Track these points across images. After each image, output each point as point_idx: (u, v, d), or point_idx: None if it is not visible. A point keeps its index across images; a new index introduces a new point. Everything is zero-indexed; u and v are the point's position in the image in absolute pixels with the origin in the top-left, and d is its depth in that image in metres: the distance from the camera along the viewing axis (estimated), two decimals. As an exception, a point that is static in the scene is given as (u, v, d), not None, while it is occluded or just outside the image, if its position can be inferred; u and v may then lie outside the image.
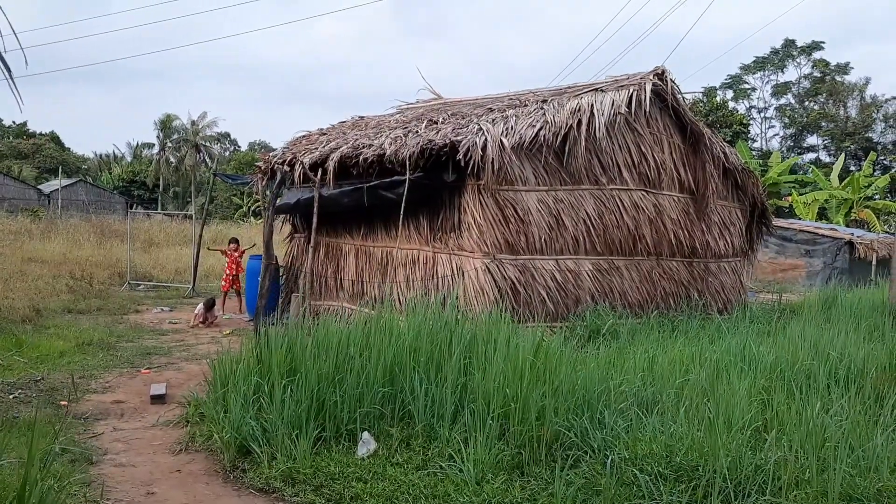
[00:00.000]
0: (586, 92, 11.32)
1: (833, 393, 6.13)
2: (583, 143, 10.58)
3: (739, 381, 5.86)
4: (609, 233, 11.29)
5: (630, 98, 11.23)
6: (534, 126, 10.21)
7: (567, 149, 10.54)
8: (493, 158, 9.59)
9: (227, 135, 78.77)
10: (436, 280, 10.54)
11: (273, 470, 5.09)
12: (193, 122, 68.53)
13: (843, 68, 55.39)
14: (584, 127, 10.57)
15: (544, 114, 10.51)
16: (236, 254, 14.47)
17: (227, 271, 14.49)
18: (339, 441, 5.48)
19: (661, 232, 12.03)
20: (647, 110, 11.62)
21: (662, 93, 11.84)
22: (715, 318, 11.16)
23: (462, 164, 9.70)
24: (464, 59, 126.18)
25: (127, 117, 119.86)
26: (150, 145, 75.12)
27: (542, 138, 10.19)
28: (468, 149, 9.59)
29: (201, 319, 12.40)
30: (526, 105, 11.14)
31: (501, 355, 5.82)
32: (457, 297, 7.84)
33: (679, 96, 12.10)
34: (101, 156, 79.75)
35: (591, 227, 11.06)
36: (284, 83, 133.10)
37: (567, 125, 10.44)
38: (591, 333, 9.34)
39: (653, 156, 11.88)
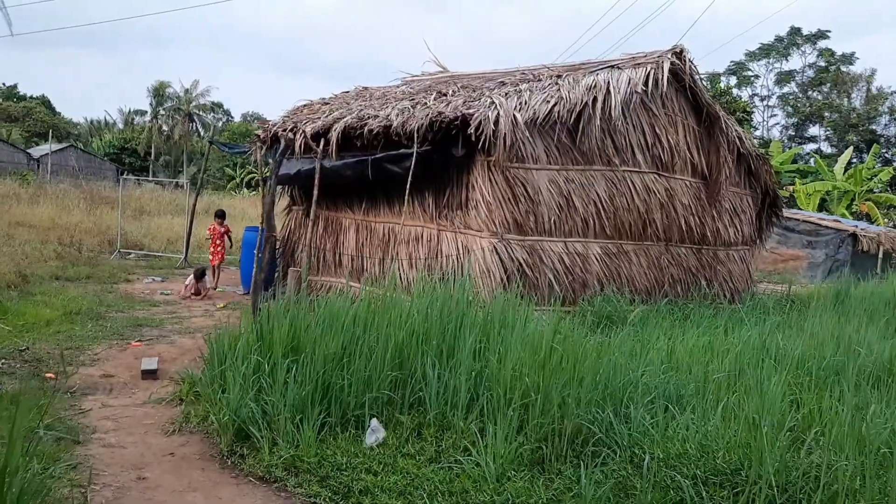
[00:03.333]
0: (602, 69, 10.89)
1: (863, 391, 5.80)
2: (597, 122, 10.18)
3: (769, 377, 5.52)
4: (619, 216, 10.92)
5: (647, 77, 10.81)
6: (548, 101, 9.79)
7: (581, 127, 10.14)
8: (505, 133, 9.18)
9: (220, 105, 77.73)
10: (440, 259, 10.16)
11: (274, 457, 4.73)
12: (186, 91, 67.52)
13: (849, 58, 54.94)
14: (599, 105, 10.16)
15: (559, 89, 10.08)
16: (221, 229, 13.93)
17: (212, 248, 14.01)
18: (346, 428, 5.11)
19: (672, 217, 11.67)
20: (664, 90, 11.21)
21: (680, 72, 11.42)
22: (725, 307, 10.85)
23: (473, 138, 9.28)
24: (462, 32, 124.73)
25: (119, 83, 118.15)
26: (143, 112, 74.09)
27: (557, 115, 9.78)
28: (480, 122, 9.17)
29: (193, 290, 11.98)
30: (540, 80, 10.71)
31: (519, 341, 5.45)
32: (467, 277, 7.45)
33: (696, 77, 11.70)
34: (92, 122, 78.66)
35: (602, 210, 10.68)
36: (278, 54, 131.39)
37: (582, 102, 10.02)
38: (601, 319, 8.98)
39: (667, 138, 11.49)
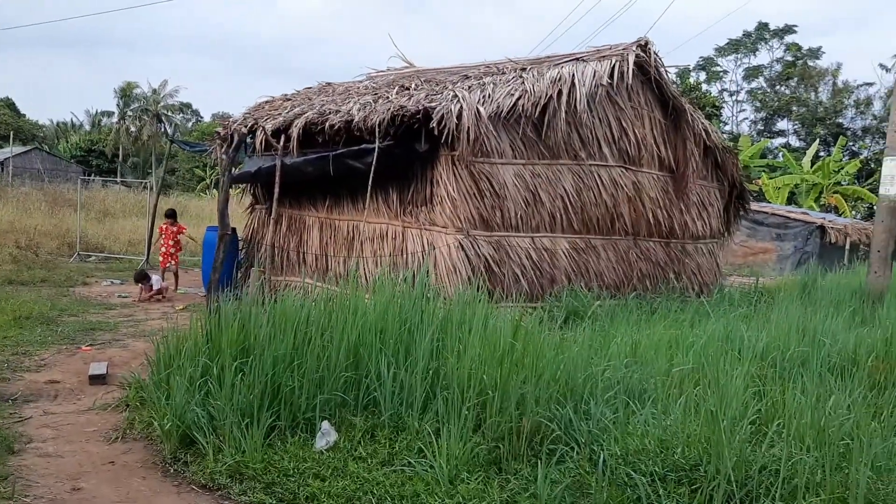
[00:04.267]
0: (567, 62, 10.76)
1: (828, 382, 5.70)
2: (563, 116, 10.05)
3: (732, 369, 5.39)
4: (587, 210, 10.81)
5: (612, 69, 10.71)
6: (512, 95, 9.64)
7: (546, 121, 10.00)
8: (468, 127, 9.00)
9: (189, 105, 76.66)
10: (405, 256, 9.97)
11: (219, 464, 4.49)
12: (154, 91, 66.61)
13: (815, 53, 55.63)
14: (564, 98, 10.03)
15: (523, 82, 9.93)
16: (174, 228, 13.23)
17: (163, 248, 13.18)
18: (296, 431, 4.89)
19: (640, 211, 11.59)
20: (629, 83, 11.12)
21: (645, 65, 11.33)
22: (693, 301, 10.77)
23: (436, 133, 9.10)
24: (441, 35, 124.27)
25: (86, 85, 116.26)
26: (110, 114, 72.93)
27: (521, 108, 9.62)
28: (442, 116, 8.99)
29: (148, 294, 11.64)
30: (504, 73, 10.55)
31: (477, 338, 5.28)
32: (428, 274, 7.27)
33: (662, 69, 11.62)
34: (58, 123, 77.28)
35: (569, 205, 10.56)
36: (252, 56, 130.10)
37: (547, 95, 9.88)
38: (568, 315, 8.85)
39: (633, 131, 11.40)
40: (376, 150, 9.67)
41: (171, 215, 13.51)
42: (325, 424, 4.86)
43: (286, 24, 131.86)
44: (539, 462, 4.25)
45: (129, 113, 66.53)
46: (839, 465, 3.88)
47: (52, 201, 24.43)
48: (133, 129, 65.53)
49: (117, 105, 67.79)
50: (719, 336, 7.09)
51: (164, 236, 13.18)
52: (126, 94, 66.55)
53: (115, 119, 69.43)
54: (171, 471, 4.65)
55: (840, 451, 4.00)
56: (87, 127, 73.89)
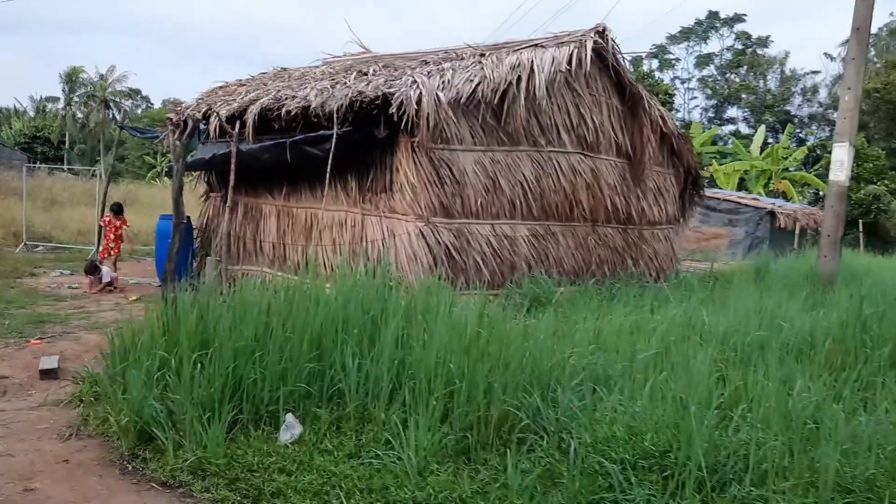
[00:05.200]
0: (526, 48, 10.72)
1: (788, 365, 5.81)
2: (522, 102, 10.00)
3: (695, 354, 5.44)
4: (546, 197, 10.82)
5: (570, 56, 10.70)
6: (472, 81, 9.56)
7: (505, 107, 9.96)
8: (428, 113, 8.91)
9: (139, 91, 74.63)
10: (365, 244, 9.85)
11: (179, 460, 4.35)
12: (102, 76, 64.61)
13: (764, 41, 56.80)
14: (523, 84, 9.98)
15: (482, 68, 9.86)
16: (117, 222, 12.75)
17: (105, 240, 12.67)
18: (259, 425, 4.78)
19: (598, 197, 11.65)
20: (587, 70, 11.13)
21: (603, 52, 11.35)
22: (651, 286, 10.89)
23: (395, 119, 8.98)
24: (399, 26, 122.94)
25: (29, 69, 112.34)
26: (55, 99, 70.62)
27: (481, 94, 9.55)
28: (402, 102, 8.87)
29: (99, 286, 11.30)
30: (463, 59, 10.47)
31: (443, 327, 5.22)
32: (390, 262, 7.18)
33: (619, 56, 11.66)
34: (0, 110, 74.56)
35: (528, 191, 10.56)
36: (205, 44, 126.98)
37: (506, 81, 9.83)
38: (529, 302, 8.85)
39: (591, 118, 11.43)
40: (335, 136, 9.51)
41: (118, 210, 12.94)
42: (290, 417, 4.76)
43: (237, 11, 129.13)
44: (508, 451, 4.23)
45: (76, 99, 64.47)
46: (805, 448, 3.93)
47: (-6, 190, 23.57)
48: (80, 115, 63.57)
49: (63, 91, 65.65)
50: (680, 321, 7.17)
51: (107, 229, 12.72)
52: (72, 79, 64.44)
53: (60, 105, 67.27)
54: (130, 468, 4.50)
55: (805, 435, 4.05)
56: (32, 113, 71.43)
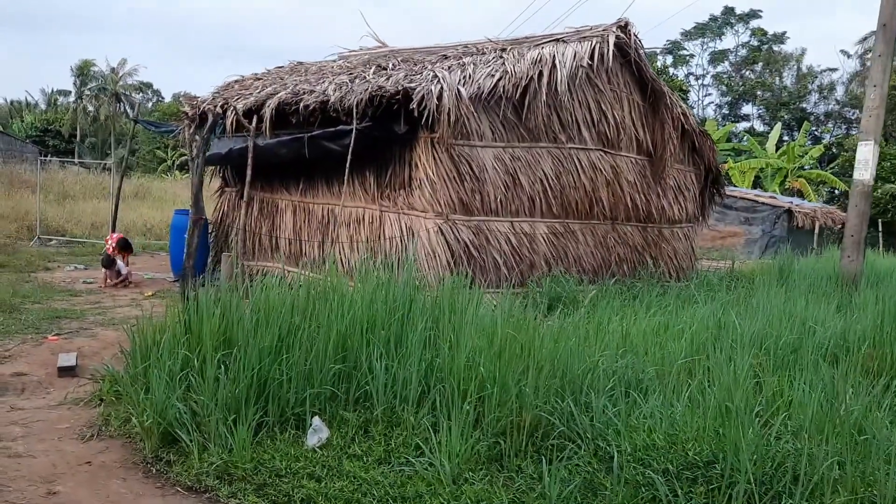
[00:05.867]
0: (547, 42, 10.56)
1: (822, 371, 5.64)
2: (543, 97, 9.85)
3: (731, 358, 5.28)
4: (566, 194, 10.66)
5: (592, 50, 10.54)
6: (493, 75, 9.40)
7: (526, 102, 9.81)
8: (449, 109, 8.76)
9: (150, 85, 74.74)
10: (383, 242, 9.72)
11: (205, 463, 4.24)
12: (113, 70, 64.67)
13: (780, 38, 56.24)
14: (545, 79, 9.83)
15: (504, 63, 9.71)
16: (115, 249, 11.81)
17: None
18: (285, 428, 4.66)
19: (618, 195, 11.48)
20: (609, 65, 10.97)
21: (625, 46, 11.18)
22: (672, 286, 10.73)
23: (415, 114, 8.83)
24: (407, 21, 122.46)
25: (41, 63, 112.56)
26: (67, 93, 70.71)
27: (502, 89, 9.40)
28: (423, 97, 8.72)
29: (114, 280, 11.22)
30: (484, 53, 10.31)
31: (473, 327, 5.09)
32: (413, 260, 7.03)
33: (642, 51, 11.48)
34: (12, 102, 74.73)
35: (548, 188, 10.40)
36: (215, 38, 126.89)
37: (528, 76, 9.67)
38: (551, 301, 8.71)
39: (612, 114, 11.26)
40: (354, 131, 9.38)
41: (123, 245, 11.93)
42: (317, 420, 4.63)
43: (247, 5, 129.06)
44: (542, 458, 4.09)
45: (87, 92, 64.57)
46: (853, 460, 3.78)
47: (7, 182, 23.58)
48: (91, 108, 63.67)
49: (74, 84, 65.76)
50: (709, 323, 7.01)
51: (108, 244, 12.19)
52: (83, 72, 64.54)
53: (71, 98, 67.37)
54: (154, 471, 4.39)
55: (851, 445, 3.90)
56: (43, 106, 71.60)
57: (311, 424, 4.61)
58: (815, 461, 3.62)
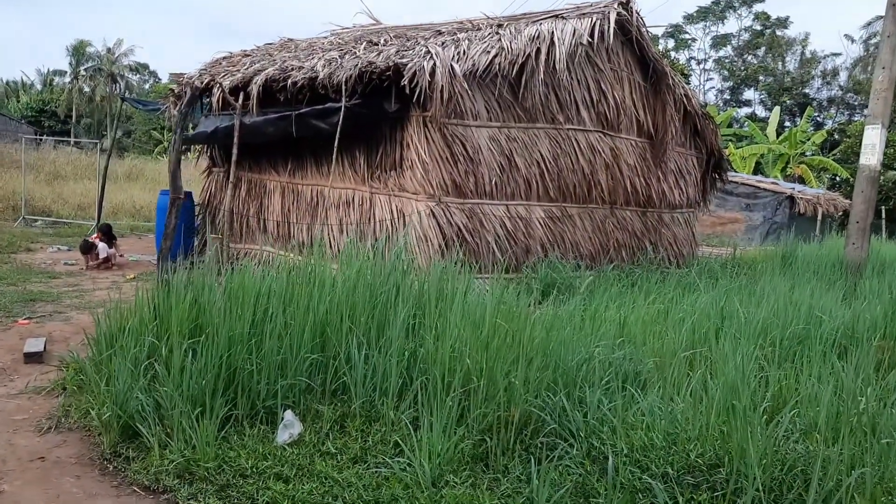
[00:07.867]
0: (546, 18, 10.16)
1: (830, 362, 5.30)
2: (541, 76, 9.47)
3: (734, 350, 4.95)
4: (563, 177, 10.30)
5: (593, 28, 10.13)
6: (488, 52, 9.02)
7: (523, 81, 9.43)
8: (442, 86, 8.38)
9: (146, 66, 73.98)
10: (373, 224, 9.37)
11: (165, 461, 3.90)
12: (109, 50, 63.97)
13: (783, 22, 55.60)
14: (542, 57, 9.44)
15: (500, 39, 9.31)
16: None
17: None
18: (255, 422, 4.32)
19: (617, 178, 11.11)
20: (610, 43, 10.57)
21: (626, 24, 10.78)
22: (672, 272, 10.38)
23: (407, 91, 8.46)
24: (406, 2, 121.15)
25: (36, 42, 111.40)
26: (62, 73, 69.97)
27: (498, 67, 9.01)
28: (414, 73, 8.34)
29: (96, 262, 10.85)
30: (479, 29, 9.92)
31: (459, 316, 4.74)
32: (403, 243, 6.68)
33: (644, 30, 11.07)
34: (7, 82, 73.99)
35: (545, 171, 10.04)
36: (213, 19, 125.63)
37: (525, 54, 9.29)
38: (546, 288, 8.37)
39: (612, 94, 10.87)
40: (343, 109, 9.00)
41: (105, 230, 11.60)
42: (289, 414, 4.30)
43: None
44: (532, 458, 3.77)
45: (83, 72, 63.90)
46: (871, 463, 3.45)
47: (-2, 162, 23.17)
48: (87, 89, 63.03)
49: (70, 64, 65.02)
50: (710, 312, 6.67)
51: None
52: (79, 52, 63.81)
53: (67, 79, 66.66)
54: (110, 468, 4.05)
55: (866, 447, 3.56)
56: (39, 86, 70.88)
57: (282, 419, 4.27)
58: (830, 465, 3.29)
